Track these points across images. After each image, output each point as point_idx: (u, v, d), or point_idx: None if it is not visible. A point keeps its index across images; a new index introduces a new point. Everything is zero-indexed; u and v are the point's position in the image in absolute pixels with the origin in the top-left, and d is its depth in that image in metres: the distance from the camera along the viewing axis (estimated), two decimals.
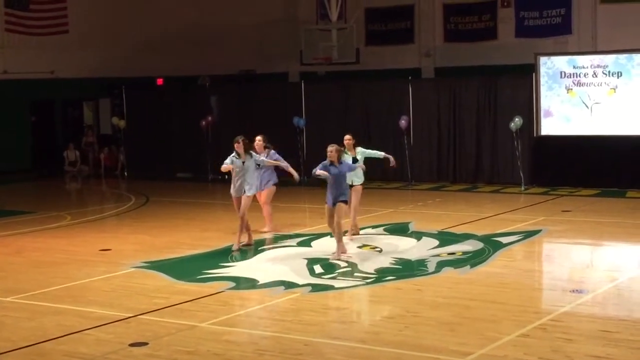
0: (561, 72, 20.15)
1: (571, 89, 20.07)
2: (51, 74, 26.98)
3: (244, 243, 13.57)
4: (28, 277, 11.95)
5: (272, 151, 14.77)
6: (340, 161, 12.67)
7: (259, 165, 13.87)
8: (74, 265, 12.59)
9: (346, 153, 13.79)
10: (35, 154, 27.79)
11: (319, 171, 12.61)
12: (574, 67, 20.03)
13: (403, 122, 21.37)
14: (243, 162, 13.39)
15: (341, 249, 12.56)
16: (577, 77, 19.98)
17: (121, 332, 9.03)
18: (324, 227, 14.30)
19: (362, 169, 13.83)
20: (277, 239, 14.33)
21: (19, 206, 19.56)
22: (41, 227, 16.35)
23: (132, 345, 8.55)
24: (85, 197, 24.13)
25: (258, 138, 14.66)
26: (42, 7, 27.13)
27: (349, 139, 14.12)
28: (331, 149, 12.66)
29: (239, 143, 13.43)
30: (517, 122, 19.89)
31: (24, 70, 26.22)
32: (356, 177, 14.06)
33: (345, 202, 12.79)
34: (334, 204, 12.51)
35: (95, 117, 29.65)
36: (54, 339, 8.85)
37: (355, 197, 14.11)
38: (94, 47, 27.43)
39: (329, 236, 13.93)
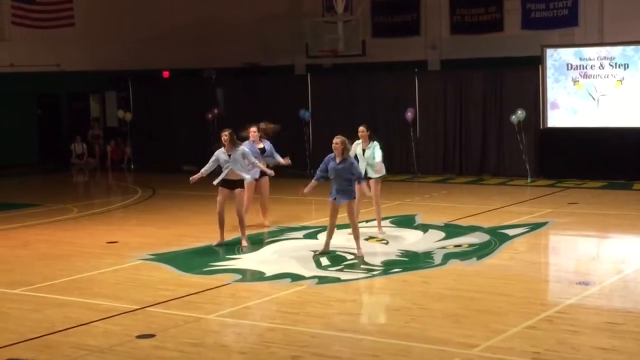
0: (568, 64, 20.13)
1: (578, 81, 20.04)
2: (57, 67, 26.98)
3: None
4: (35, 269, 11.98)
5: (267, 142, 14.64)
6: (344, 157, 12.04)
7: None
8: (81, 258, 12.62)
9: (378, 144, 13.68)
10: (42, 147, 27.83)
11: (306, 189, 12.30)
12: (581, 59, 20.00)
13: (409, 115, 21.35)
14: (229, 155, 13.04)
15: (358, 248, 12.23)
16: (583, 69, 19.95)
17: (128, 324, 9.05)
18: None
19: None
20: (283, 232, 14.33)
21: (25, 199, 19.61)
22: (48, 219, 16.39)
23: (139, 337, 8.58)
24: (92, 189, 24.18)
25: (252, 129, 14.54)
26: (48, 0, 27.14)
27: (362, 131, 13.60)
28: (336, 140, 12.08)
29: (225, 136, 13.01)
30: (519, 114, 19.88)
31: (30, 63, 26.22)
32: (371, 171, 13.61)
33: (351, 200, 12.20)
34: (337, 200, 12.09)
35: (101, 109, 29.68)
36: (61, 330, 8.88)
37: (373, 191, 13.68)
38: (100, 40, 27.42)
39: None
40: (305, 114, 22.89)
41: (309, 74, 24.51)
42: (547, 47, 20.60)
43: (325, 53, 24.96)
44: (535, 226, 14.25)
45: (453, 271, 11.20)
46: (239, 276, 11.19)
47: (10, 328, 9.06)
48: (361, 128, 13.69)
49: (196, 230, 14.77)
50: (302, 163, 21.87)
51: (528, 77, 20.72)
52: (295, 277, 10.96)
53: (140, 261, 12.30)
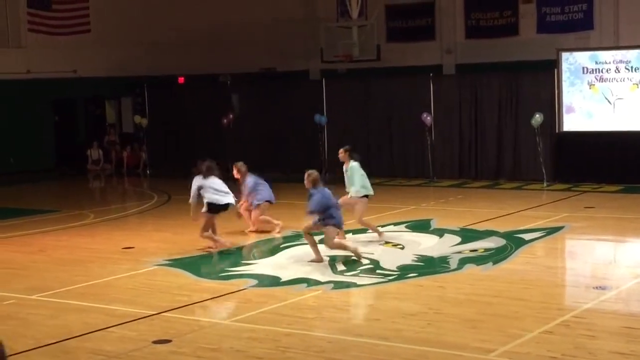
0: (583, 68, 20.06)
1: (593, 85, 19.97)
2: (74, 73, 27.15)
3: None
4: (52, 275, 12.04)
5: (249, 179, 14.98)
6: (316, 189, 12.41)
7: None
8: (98, 263, 12.67)
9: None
10: (58, 153, 27.97)
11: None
12: (596, 62, 19.93)
13: (428, 119, 21.32)
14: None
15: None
16: (599, 72, 19.88)
17: (145, 330, 9.08)
18: (345, 225, 14.28)
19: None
20: (299, 237, 14.32)
21: (42, 205, 19.69)
22: (65, 225, 16.45)
23: (155, 342, 8.60)
24: (108, 195, 24.26)
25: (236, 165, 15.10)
26: (64, 7, 27.31)
27: (341, 152, 14.08)
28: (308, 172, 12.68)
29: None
30: (537, 118, 19.83)
31: (47, 70, 26.39)
32: (352, 190, 13.81)
33: (335, 225, 12.19)
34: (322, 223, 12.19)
35: (117, 115, 29.80)
36: (78, 336, 8.91)
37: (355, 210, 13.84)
38: (116, 46, 27.56)
39: (350, 233, 13.98)
40: (321, 119, 22.91)
41: (323, 79, 24.53)
42: (563, 51, 20.54)
43: (340, 58, 24.98)
44: (551, 230, 14.21)
45: (469, 276, 11.18)
46: (255, 281, 11.21)
47: (28, 334, 9.10)
48: (340, 150, 14.17)
49: None
50: (317, 168, 21.85)
51: (543, 81, 20.66)
52: (311, 282, 10.97)
53: (156, 267, 12.34)
